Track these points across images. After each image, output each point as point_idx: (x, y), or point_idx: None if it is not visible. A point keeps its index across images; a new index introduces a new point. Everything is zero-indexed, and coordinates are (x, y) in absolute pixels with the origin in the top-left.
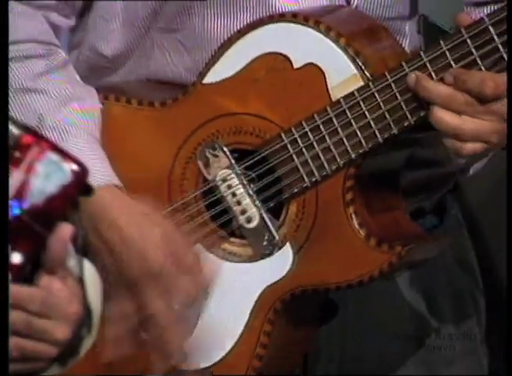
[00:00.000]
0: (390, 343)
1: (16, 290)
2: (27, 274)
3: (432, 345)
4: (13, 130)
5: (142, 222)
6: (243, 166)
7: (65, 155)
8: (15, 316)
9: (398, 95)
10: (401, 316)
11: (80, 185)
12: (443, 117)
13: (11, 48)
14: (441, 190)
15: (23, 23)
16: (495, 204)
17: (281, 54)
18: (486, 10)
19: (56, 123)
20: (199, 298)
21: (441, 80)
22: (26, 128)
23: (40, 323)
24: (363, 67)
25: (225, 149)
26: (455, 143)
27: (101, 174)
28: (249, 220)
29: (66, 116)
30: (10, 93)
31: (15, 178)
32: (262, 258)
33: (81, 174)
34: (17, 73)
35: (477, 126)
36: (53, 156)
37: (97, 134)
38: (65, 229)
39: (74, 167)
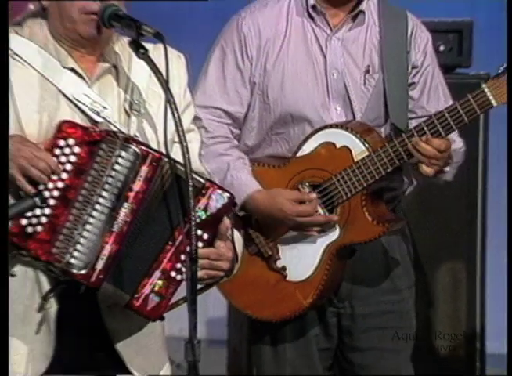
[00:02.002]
0: (369, 270)
1: (206, 250)
2: (210, 242)
3: (388, 267)
4: (201, 179)
5: (275, 197)
6: (316, 191)
7: (225, 190)
8: (205, 262)
9: (385, 159)
10: (376, 257)
11: (231, 203)
12: (423, 164)
13: (211, 140)
14: (396, 200)
15: (219, 129)
16: (413, 207)
17: (331, 142)
18: (420, 120)
19: (234, 166)
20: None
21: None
22: (207, 180)
23: (217, 263)
24: (367, 146)
25: (307, 184)
26: (422, 167)
27: (254, 185)
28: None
29: (237, 164)
30: (210, 157)
31: (202, 202)
32: (325, 231)
33: (232, 199)
34: (216, 148)
35: (433, 159)
36: (219, 191)
37: (249, 170)
38: (226, 221)
39: (229, 195)
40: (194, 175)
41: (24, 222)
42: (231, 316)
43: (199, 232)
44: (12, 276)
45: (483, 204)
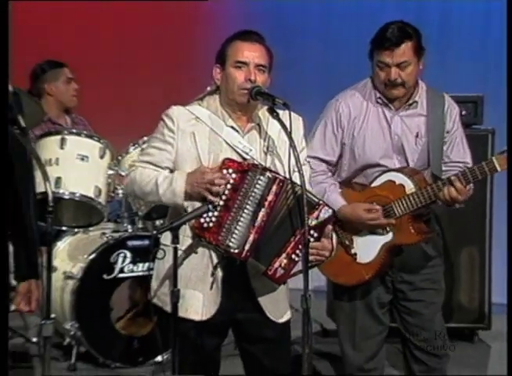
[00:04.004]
0: (413, 253)
1: (315, 243)
2: (318, 239)
3: (425, 251)
4: (316, 199)
5: (355, 209)
6: (382, 209)
7: (329, 207)
8: (314, 251)
9: (426, 195)
10: (418, 245)
11: (333, 216)
12: (447, 198)
13: (314, 173)
14: (429, 216)
15: (319, 167)
16: (444, 211)
17: (393, 180)
18: (445, 165)
19: (329, 190)
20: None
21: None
22: (320, 199)
23: (322, 252)
24: (415, 185)
25: (375, 203)
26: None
27: (341, 202)
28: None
29: (331, 188)
30: (314, 184)
31: (315, 213)
32: (384, 234)
33: (334, 213)
34: (318, 178)
35: (457, 200)
36: (326, 207)
37: (338, 192)
38: (329, 226)
39: (332, 211)
40: (311, 196)
41: (202, 220)
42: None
43: (311, 232)
44: (196, 253)
45: (490, 209)
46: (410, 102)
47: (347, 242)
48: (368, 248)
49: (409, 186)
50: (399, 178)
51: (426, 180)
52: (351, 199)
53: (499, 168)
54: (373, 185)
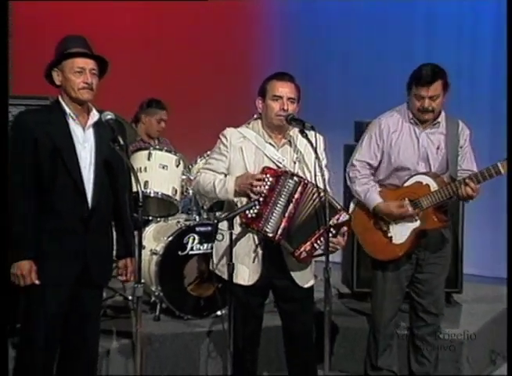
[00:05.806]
0: (434, 238)
1: (333, 239)
2: (335, 235)
3: (443, 236)
4: (338, 205)
5: (389, 205)
6: (411, 202)
7: (348, 213)
8: (332, 244)
9: (446, 192)
10: (438, 232)
11: (349, 220)
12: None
13: (360, 176)
14: (447, 207)
15: (364, 170)
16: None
17: (420, 181)
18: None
19: (371, 190)
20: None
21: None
22: (342, 207)
23: (335, 246)
24: (437, 185)
25: (407, 199)
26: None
27: (379, 200)
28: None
29: (372, 189)
30: (360, 184)
31: (336, 216)
32: (413, 222)
33: (350, 218)
34: (363, 180)
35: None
36: (345, 213)
37: (377, 192)
38: (345, 227)
39: (349, 216)
40: (335, 202)
41: (247, 212)
42: (343, 254)
43: (331, 229)
44: (243, 236)
45: (463, 203)
46: (434, 123)
47: (385, 228)
48: (401, 232)
49: (433, 185)
50: (426, 180)
51: (445, 181)
52: (387, 197)
53: (502, 171)
54: (405, 185)
